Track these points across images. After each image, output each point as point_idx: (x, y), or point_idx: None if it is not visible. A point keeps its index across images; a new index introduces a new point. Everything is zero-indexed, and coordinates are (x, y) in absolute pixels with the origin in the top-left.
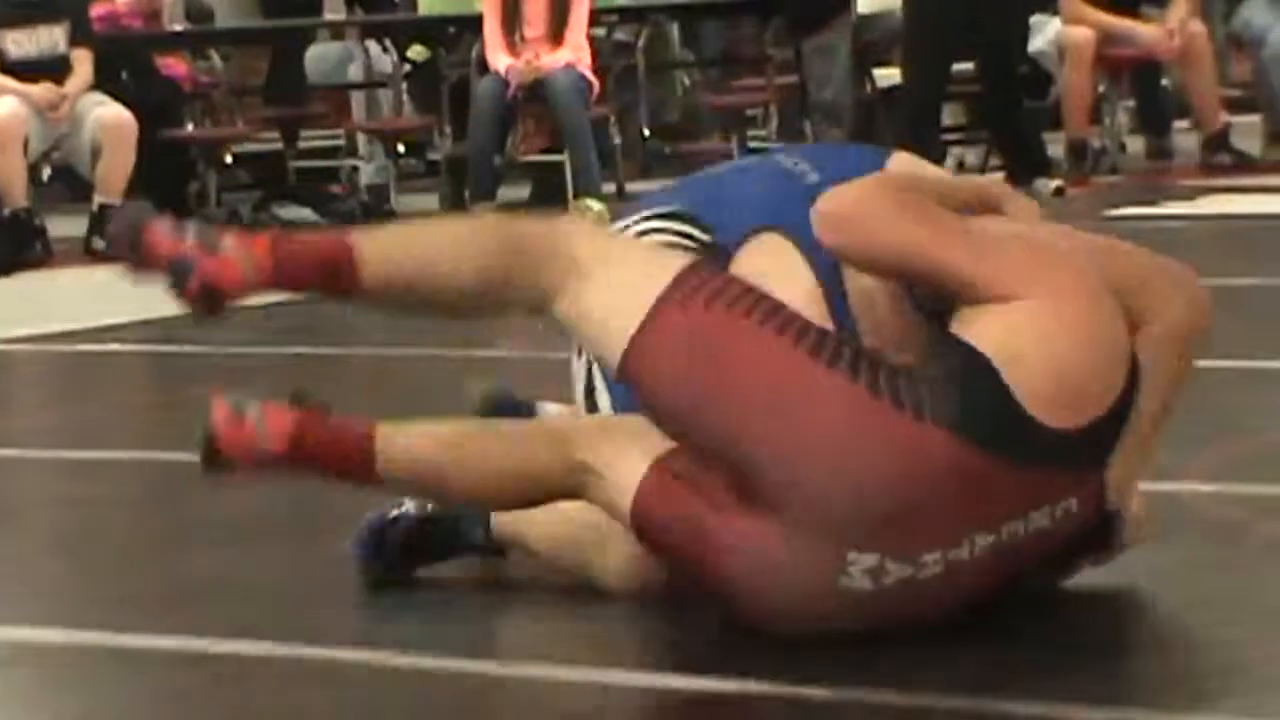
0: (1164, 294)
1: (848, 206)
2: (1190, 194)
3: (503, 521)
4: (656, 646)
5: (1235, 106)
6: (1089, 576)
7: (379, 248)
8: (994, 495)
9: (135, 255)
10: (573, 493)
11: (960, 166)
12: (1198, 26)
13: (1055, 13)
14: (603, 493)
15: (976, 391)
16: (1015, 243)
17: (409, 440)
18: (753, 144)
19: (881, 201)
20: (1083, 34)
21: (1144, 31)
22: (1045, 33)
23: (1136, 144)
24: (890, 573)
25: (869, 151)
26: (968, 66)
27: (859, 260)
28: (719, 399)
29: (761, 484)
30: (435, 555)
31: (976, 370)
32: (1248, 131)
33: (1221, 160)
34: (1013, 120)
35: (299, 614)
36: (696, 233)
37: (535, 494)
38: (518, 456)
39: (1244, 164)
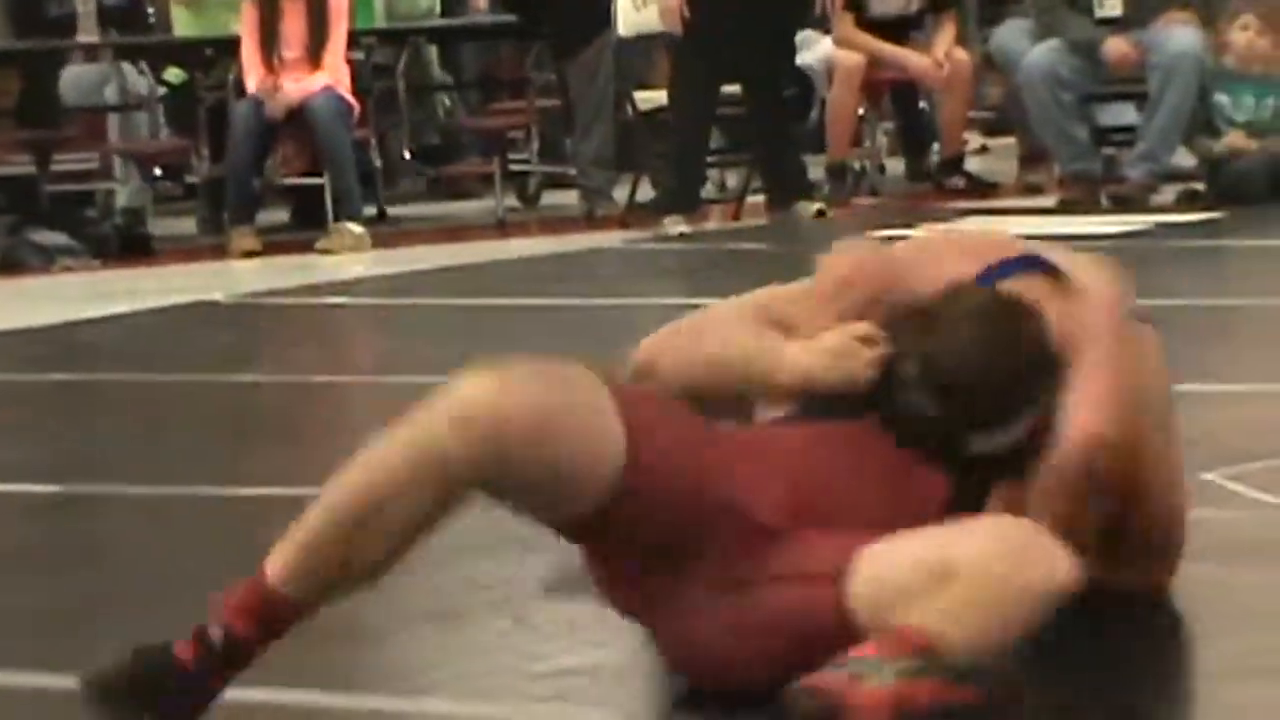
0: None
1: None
2: (949, 216)
3: None
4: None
5: (989, 129)
6: None
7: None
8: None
9: None
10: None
11: (721, 188)
12: (962, 54)
13: (826, 30)
14: None
15: None
16: None
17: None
18: (514, 166)
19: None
20: (853, 59)
21: (914, 59)
22: (815, 50)
23: (895, 166)
24: None
25: None
26: (730, 89)
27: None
28: None
29: None
30: None
31: None
32: (1003, 154)
33: (955, 183)
34: (777, 143)
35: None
36: None
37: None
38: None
39: (978, 188)
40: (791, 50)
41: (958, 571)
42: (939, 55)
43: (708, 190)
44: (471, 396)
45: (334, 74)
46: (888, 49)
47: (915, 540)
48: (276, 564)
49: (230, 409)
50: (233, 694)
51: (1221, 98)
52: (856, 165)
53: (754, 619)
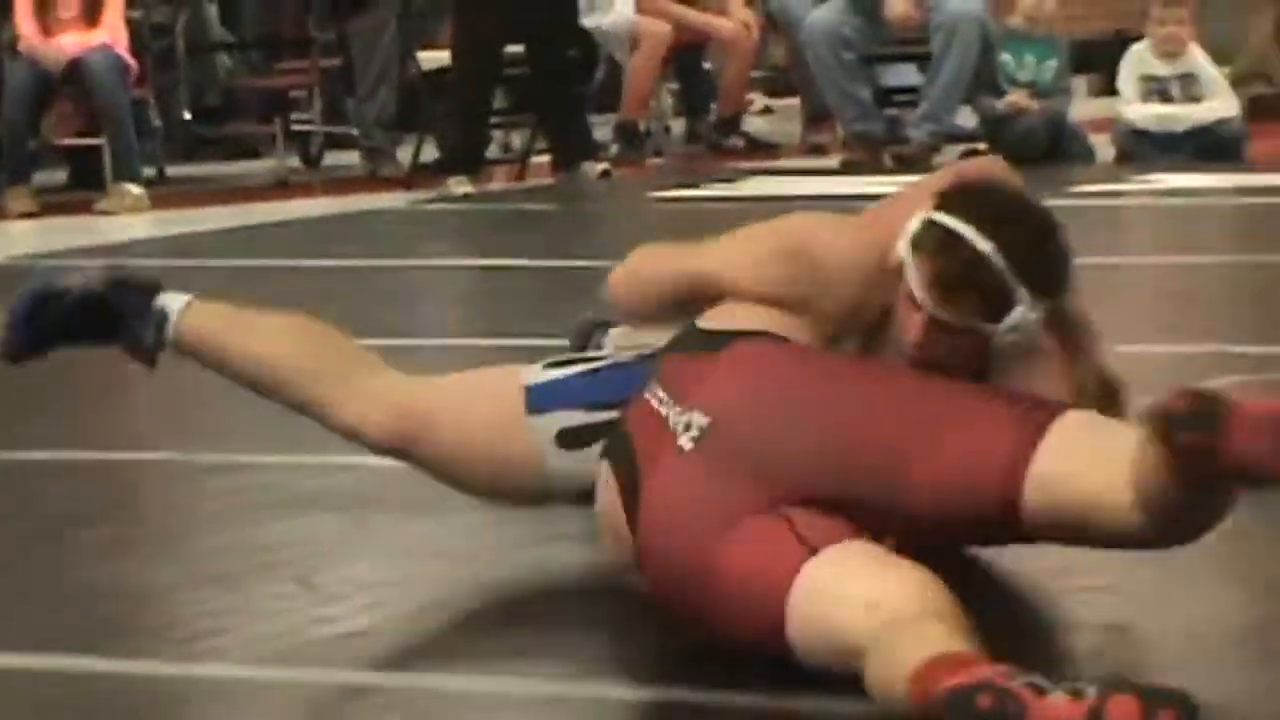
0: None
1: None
2: (732, 176)
3: (194, 325)
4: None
5: (773, 90)
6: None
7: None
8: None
9: None
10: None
11: (505, 149)
12: (749, 15)
13: None
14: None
15: None
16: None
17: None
18: (296, 126)
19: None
20: (662, 27)
21: (720, 25)
22: (609, 12)
23: (680, 127)
24: None
25: None
26: (514, 49)
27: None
28: None
29: None
30: (87, 335)
31: None
32: (787, 115)
33: (734, 144)
34: (561, 104)
35: None
36: None
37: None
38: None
39: (758, 148)
40: (574, 11)
41: None
42: (741, 17)
43: (492, 151)
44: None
45: (112, 33)
46: (696, 17)
47: None
48: None
49: (3, 372)
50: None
51: (1005, 57)
52: (642, 126)
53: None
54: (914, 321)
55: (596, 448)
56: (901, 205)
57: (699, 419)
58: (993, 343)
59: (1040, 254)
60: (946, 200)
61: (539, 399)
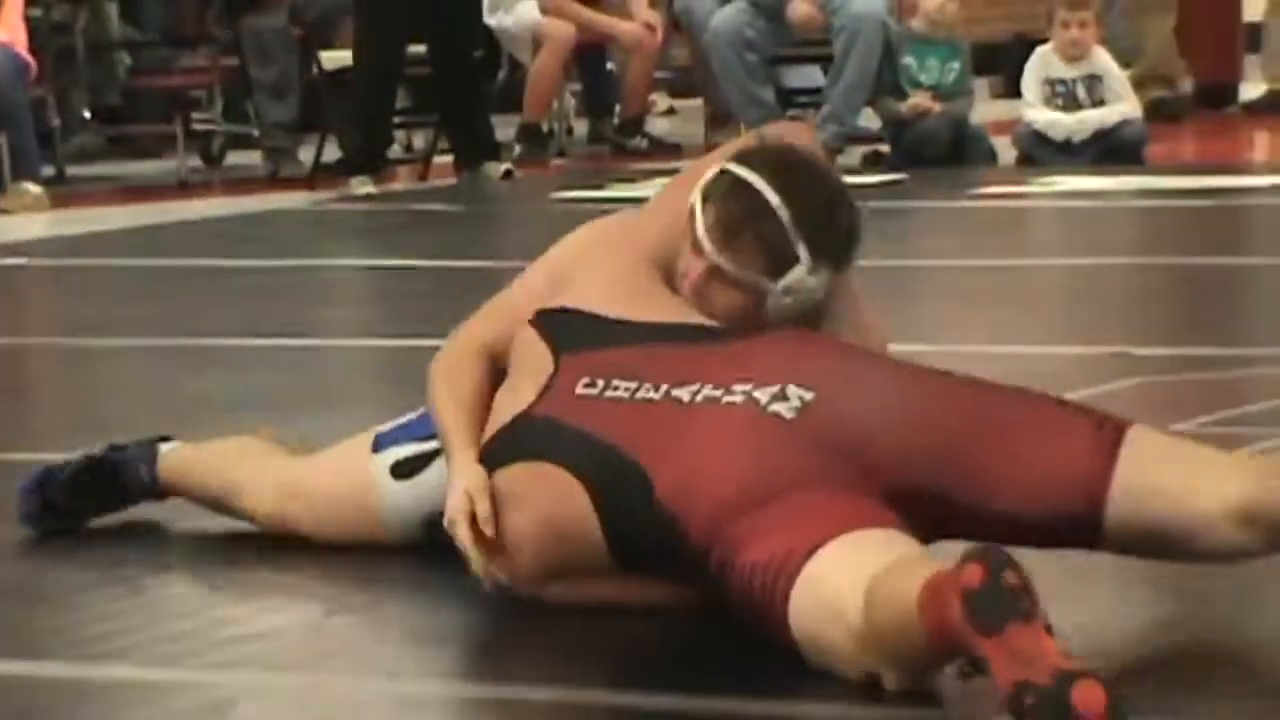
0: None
1: None
2: (635, 177)
3: (168, 466)
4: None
5: (677, 90)
6: None
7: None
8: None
9: None
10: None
11: (408, 149)
12: (653, 16)
13: None
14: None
15: None
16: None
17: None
18: (197, 125)
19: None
20: (565, 29)
21: (625, 28)
22: (513, 12)
23: (583, 128)
24: None
25: None
26: (417, 48)
27: None
28: None
29: None
30: (106, 501)
31: None
32: (691, 115)
33: (637, 145)
34: (464, 104)
35: None
36: None
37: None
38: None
39: (662, 149)
40: (478, 10)
41: None
42: (645, 19)
43: (394, 151)
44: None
45: (10, 31)
46: (600, 19)
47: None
48: None
49: None
50: None
51: (908, 60)
52: (545, 127)
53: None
54: (694, 267)
55: (428, 474)
56: (704, 167)
57: (799, 391)
58: (769, 303)
59: (827, 218)
60: (742, 154)
61: (383, 440)
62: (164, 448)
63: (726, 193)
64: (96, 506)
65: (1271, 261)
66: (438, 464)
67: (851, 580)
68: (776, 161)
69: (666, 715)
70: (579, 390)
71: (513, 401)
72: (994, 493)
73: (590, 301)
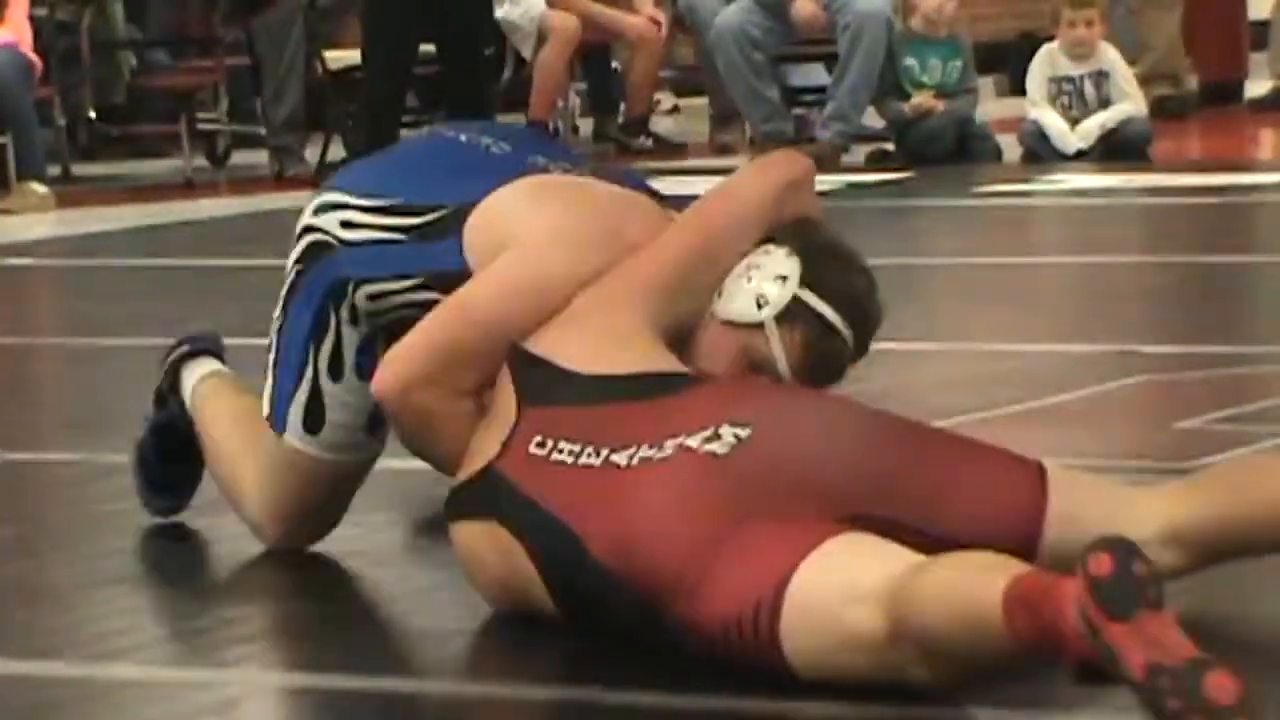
0: None
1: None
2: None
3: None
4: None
5: (682, 89)
6: None
7: None
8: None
9: None
10: None
11: None
12: (662, 15)
13: None
14: None
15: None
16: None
17: None
18: (202, 125)
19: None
20: (570, 22)
21: (630, 21)
22: (521, 3)
23: (588, 127)
24: None
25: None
26: (425, 48)
27: None
28: None
29: None
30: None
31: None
32: (695, 114)
33: (642, 144)
34: (472, 103)
35: None
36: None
37: None
38: None
39: (666, 148)
40: (490, 8)
41: None
42: (650, 13)
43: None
44: None
45: (16, 31)
46: (605, 12)
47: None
48: None
49: None
50: None
51: (909, 60)
52: (550, 126)
53: None
54: (734, 360)
55: (331, 415)
56: (719, 203)
57: (733, 430)
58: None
59: (873, 326)
60: (809, 270)
61: (276, 421)
62: (188, 398)
63: (813, 333)
64: (191, 464)
65: (1277, 259)
66: (330, 396)
67: (847, 585)
68: (839, 283)
69: (667, 713)
70: (531, 449)
71: (483, 445)
72: (940, 516)
73: (566, 348)
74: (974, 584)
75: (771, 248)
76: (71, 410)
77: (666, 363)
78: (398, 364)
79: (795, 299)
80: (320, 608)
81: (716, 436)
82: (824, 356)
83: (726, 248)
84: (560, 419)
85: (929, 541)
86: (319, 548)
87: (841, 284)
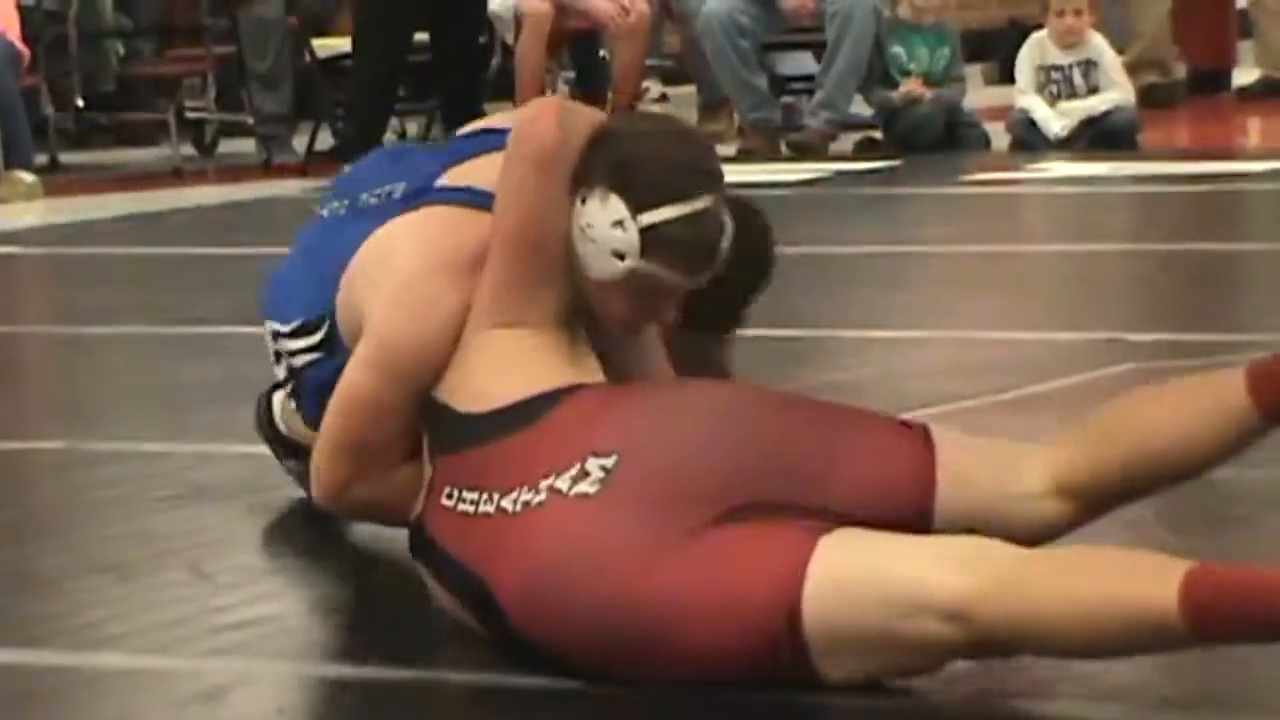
0: None
1: None
2: None
3: None
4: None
5: (669, 78)
6: None
7: None
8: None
9: None
10: None
11: (402, 136)
12: (643, 3)
13: None
14: None
15: None
16: None
17: None
18: (190, 113)
19: None
20: (541, 8)
21: (599, 6)
22: None
23: None
24: None
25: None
26: (417, 36)
27: None
28: None
29: None
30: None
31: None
32: (682, 103)
33: None
34: (462, 91)
35: None
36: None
37: None
38: None
39: None
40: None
41: None
42: (623, 1)
43: (388, 139)
44: None
45: (3, 19)
46: None
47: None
48: None
49: None
50: None
51: (897, 48)
52: None
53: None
54: (633, 310)
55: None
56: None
57: (599, 462)
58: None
59: (718, 173)
60: (632, 195)
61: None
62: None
63: (668, 241)
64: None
65: (1265, 247)
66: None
67: (887, 600)
68: (667, 181)
69: (667, 707)
70: (442, 501)
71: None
72: (832, 491)
73: (465, 388)
74: (1107, 577)
75: (587, 195)
76: (59, 398)
77: (546, 372)
78: (320, 475)
79: (644, 230)
80: (309, 596)
81: (584, 474)
82: (708, 246)
83: (540, 223)
84: (462, 466)
85: (830, 519)
86: (307, 536)
87: (667, 177)
